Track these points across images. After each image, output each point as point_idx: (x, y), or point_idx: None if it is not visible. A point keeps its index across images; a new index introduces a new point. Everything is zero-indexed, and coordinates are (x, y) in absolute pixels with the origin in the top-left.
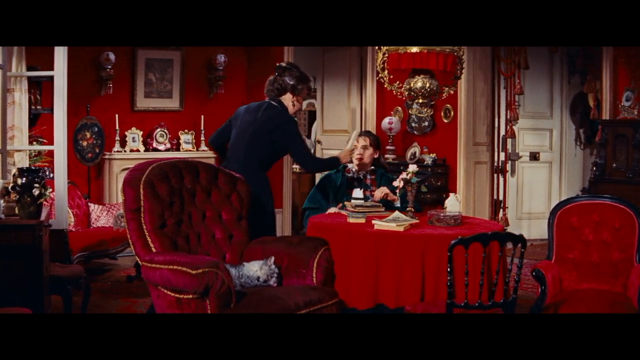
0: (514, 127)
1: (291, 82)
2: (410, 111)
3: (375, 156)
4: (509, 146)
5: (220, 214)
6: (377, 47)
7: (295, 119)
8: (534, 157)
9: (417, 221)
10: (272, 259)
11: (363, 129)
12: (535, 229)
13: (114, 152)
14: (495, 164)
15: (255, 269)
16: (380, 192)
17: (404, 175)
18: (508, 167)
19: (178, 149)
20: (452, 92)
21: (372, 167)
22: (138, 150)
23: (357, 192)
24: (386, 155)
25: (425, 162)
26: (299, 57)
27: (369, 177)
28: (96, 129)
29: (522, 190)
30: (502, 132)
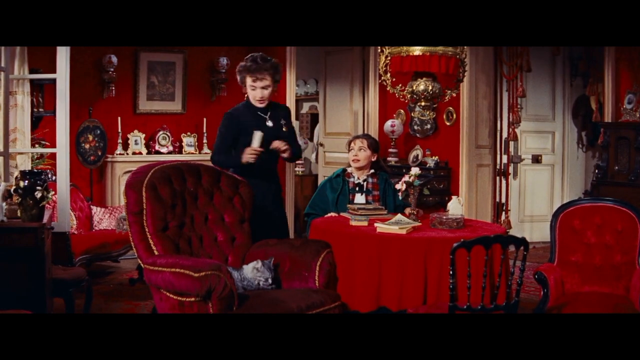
0: (516, 129)
1: (238, 77)
2: (412, 114)
3: (374, 159)
4: (511, 149)
5: (223, 217)
6: (379, 50)
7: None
8: (536, 159)
9: (420, 224)
10: (259, 261)
11: (362, 133)
12: (537, 232)
13: (117, 154)
14: (498, 167)
15: (249, 271)
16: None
17: (406, 178)
18: (510, 169)
19: (180, 152)
20: (454, 94)
21: (373, 171)
22: (140, 153)
23: (359, 198)
24: (388, 158)
25: (428, 165)
26: (301, 60)
27: (370, 181)
28: (98, 132)
29: (524, 193)
30: (505, 135)
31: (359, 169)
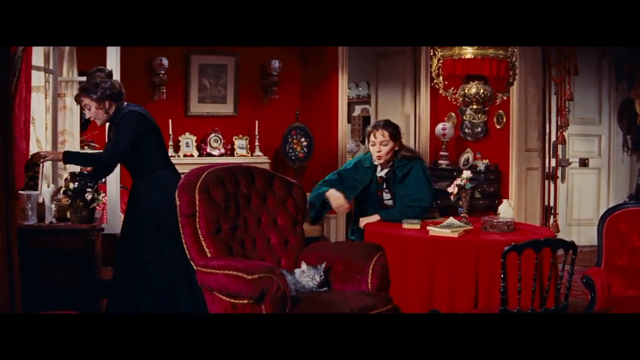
0: (564, 133)
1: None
2: (463, 117)
3: (396, 148)
4: (559, 152)
5: (276, 219)
6: (431, 53)
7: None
8: (583, 163)
9: (471, 227)
10: (303, 264)
11: (379, 121)
12: (584, 235)
13: None
14: (546, 170)
15: (299, 275)
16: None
17: (458, 181)
18: (558, 173)
19: (232, 154)
20: (505, 98)
21: (391, 164)
22: (192, 156)
23: (385, 196)
24: (440, 161)
25: (478, 168)
26: (353, 63)
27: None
28: None
29: (571, 197)
30: (553, 138)
31: (383, 163)
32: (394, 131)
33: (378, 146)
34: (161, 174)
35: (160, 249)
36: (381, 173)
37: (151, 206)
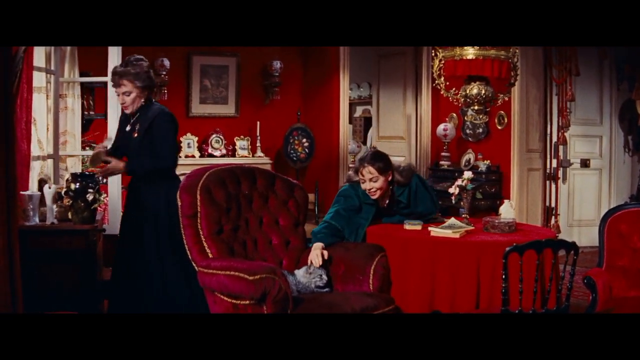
0: (565, 133)
1: None
2: (465, 118)
3: (390, 178)
4: (560, 153)
5: (277, 220)
6: (433, 54)
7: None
8: (585, 164)
9: (473, 228)
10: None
11: (365, 154)
12: (585, 236)
13: None
14: (548, 171)
15: (302, 275)
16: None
17: (459, 182)
18: (560, 174)
19: (234, 155)
20: (506, 98)
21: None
22: (193, 156)
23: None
24: (441, 162)
25: (480, 169)
26: (355, 63)
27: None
28: None
29: (573, 197)
30: (554, 139)
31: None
32: (382, 165)
33: (368, 183)
34: (162, 173)
35: (158, 249)
36: (384, 206)
37: (152, 206)
